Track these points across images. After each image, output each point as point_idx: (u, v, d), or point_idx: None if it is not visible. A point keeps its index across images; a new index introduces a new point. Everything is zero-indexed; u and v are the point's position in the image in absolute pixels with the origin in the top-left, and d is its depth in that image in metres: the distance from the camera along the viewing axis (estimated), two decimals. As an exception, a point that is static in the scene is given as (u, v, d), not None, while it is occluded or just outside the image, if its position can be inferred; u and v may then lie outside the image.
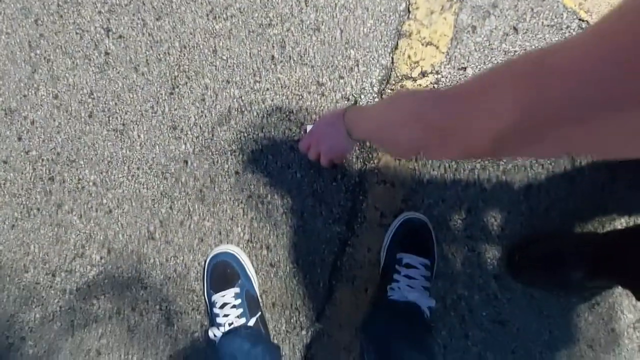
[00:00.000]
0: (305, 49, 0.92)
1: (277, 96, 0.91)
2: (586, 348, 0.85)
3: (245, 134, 0.90)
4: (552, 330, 0.84)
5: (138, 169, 0.92)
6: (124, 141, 0.93)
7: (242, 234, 0.88)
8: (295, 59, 0.92)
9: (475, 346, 0.84)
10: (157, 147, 0.92)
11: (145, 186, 0.91)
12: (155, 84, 0.93)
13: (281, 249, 0.87)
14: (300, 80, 0.91)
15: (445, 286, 0.85)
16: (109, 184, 0.93)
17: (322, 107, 0.90)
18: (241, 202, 0.88)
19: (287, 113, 0.91)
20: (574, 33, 0.87)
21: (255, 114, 0.91)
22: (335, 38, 0.92)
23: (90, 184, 0.94)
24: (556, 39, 0.87)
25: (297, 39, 0.93)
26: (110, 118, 0.94)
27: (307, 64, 0.92)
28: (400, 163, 0.88)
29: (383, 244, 0.85)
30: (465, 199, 0.85)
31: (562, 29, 0.87)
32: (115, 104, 0.95)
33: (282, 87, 0.91)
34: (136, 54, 0.96)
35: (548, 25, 0.87)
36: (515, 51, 0.88)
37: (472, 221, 0.85)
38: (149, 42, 0.96)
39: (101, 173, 0.93)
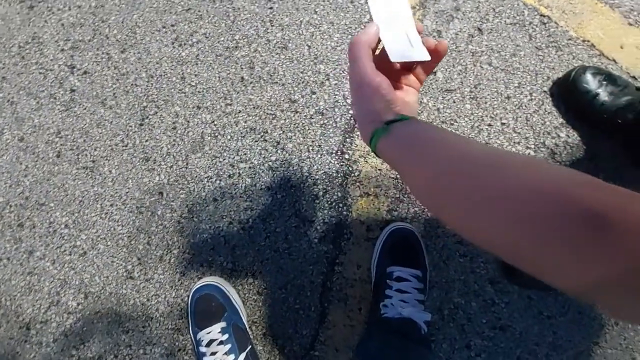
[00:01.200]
0: (275, 68, 0.91)
1: (250, 117, 0.89)
2: (592, 345, 0.82)
3: (221, 159, 0.87)
4: (556, 330, 0.81)
5: (111, 205, 0.88)
6: (95, 178, 0.90)
7: (225, 264, 0.84)
8: (265, 78, 0.91)
9: (479, 356, 0.80)
10: (130, 181, 0.88)
11: (119, 223, 0.87)
12: (124, 117, 0.91)
13: (268, 275, 0.83)
14: (272, 99, 0.90)
15: (441, 296, 0.82)
16: (81, 225, 0.89)
17: (296, 125, 0.88)
18: (222, 230, 0.85)
19: (262, 133, 0.89)
20: (536, 29, 0.88)
21: (229, 137, 0.88)
22: (303, 54, 0.92)
23: (62, 226, 0.89)
24: (520, 36, 0.87)
25: (266, 58, 0.92)
26: (80, 156, 0.91)
27: (277, 82, 0.91)
28: (382, 172, 0.86)
29: (372, 259, 0.82)
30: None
31: (525, 26, 0.88)
32: (84, 140, 0.92)
33: (254, 107, 0.90)
34: (103, 88, 0.94)
35: (511, 24, 0.88)
36: (482, 51, 0.88)
37: (461, 225, 0.83)
38: (115, 75, 0.94)
39: (73, 214, 0.89)
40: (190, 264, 0.84)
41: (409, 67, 0.43)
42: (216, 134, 0.88)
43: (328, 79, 0.90)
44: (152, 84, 0.91)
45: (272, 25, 0.94)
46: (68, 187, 0.90)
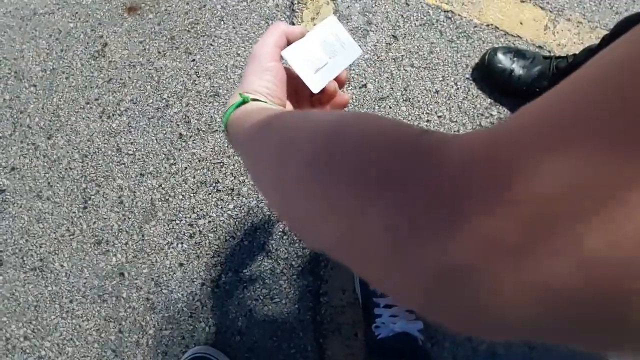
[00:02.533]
0: (211, 117, 0.91)
1: (198, 171, 0.87)
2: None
3: (178, 221, 0.84)
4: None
5: (71, 302, 0.81)
6: (47, 277, 0.83)
7: (207, 329, 0.79)
8: (204, 129, 0.90)
9: (480, 345, 0.80)
10: (85, 270, 0.82)
11: (84, 318, 0.80)
12: (65, 204, 0.86)
13: (255, 328, 0.79)
14: (216, 148, 0.88)
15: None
16: (43, 332, 0.81)
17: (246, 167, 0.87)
18: (195, 294, 0.81)
19: (214, 184, 0.86)
20: (444, 25, 0.94)
21: (181, 197, 0.85)
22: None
23: (22, 339, 0.81)
24: (432, 34, 0.93)
25: (200, 109, 0.91)
26: (24, 258, 0.84)
27: (217, 130, 0.90)
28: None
29: (354, 279, 0.80)
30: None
31: (433, 24, 0.94)
32: (26, 240, 0.85)
33: (199, 160, 0.88)
34: (35, 180, 0.88)
35: (421, 25, 0.94)
36: (402, 55, 0.92)
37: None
38: (45, 164, 0.89)
39: (30, 323, 0.81)
40: (171, 340, 0.79)
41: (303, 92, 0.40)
42: (167, 197, 0.85)
43: (266, 115, 0.90)
44: (87, 162, 0.87)
45: (198, 77, 0.94)
46: (19, 294, 0.82)
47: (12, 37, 0.98)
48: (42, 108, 0.93)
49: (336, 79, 0.38)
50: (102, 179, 0.86)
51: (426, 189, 0.14)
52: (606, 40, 0.69)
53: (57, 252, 0.83)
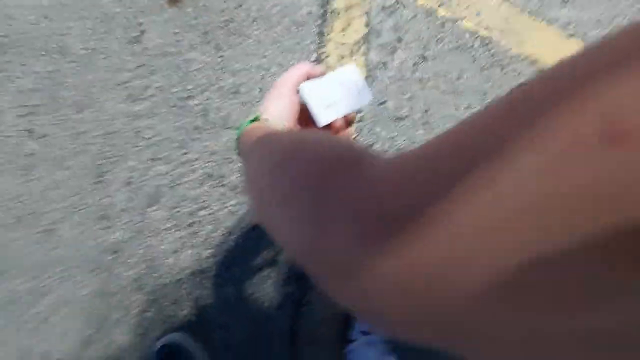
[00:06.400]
0: (228, 113, 0.92)
1: (207, 164, 0.89)
2: None
3: (179, 209, 0.86)
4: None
5: (71, 268, 0.86)
6: (54, 241, 0.88)
7: (189, 317, 0.80)
8: (219, 124, 0.92)
9: None
10: (87, 241, 0.86)
11: (81, 285, 0.85)
12: (81, 176, 0.91)
13: (235, 325, 0.80)
14: (229, 144, 0.90)
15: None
16: (44, 290, 0.86)
17: (252, 167, 0.88)
18: (183, 282, 0.82)
19: (220, 178, 0.88)
20: (479, 51, 0.90)
21: (187, 186, 0.88)
22: (255, 97, 0.93)
23: (24, 294, 0.86)
24: (463, 59, 0.89)
25: (219, 104, 0.93)
26: (39, 219, 0.90)
27: (232, 127, 0.91)
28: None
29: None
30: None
31: (467, 49, 0.90)
32: (43, 204, 0.91)
33: (210, 154, 0.90)
34: (61, 149, 0.94)
35: (454, 48, 0.90)
36: (429, 77, 0.89)
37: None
38: (72, 136, 0.95)
39: (34, 279, 0.87)
40: (152, 323, 0.81)
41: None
42: (173, 185, 0.88)
43: (281, 119, 0.90)
44: (107, 141, 0.92)
45: (223, 72, 0.96)
46: (28, 252, 0.88)
47: (64, 15, 1.05)
48: (78, 83, 0.99)
49: (345, 117, 0.43)
50: (117, 158, 0.90)
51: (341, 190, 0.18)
52: None
53: (66, 219, 0.88)
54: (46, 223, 0.89)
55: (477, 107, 0.86)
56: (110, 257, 0.84)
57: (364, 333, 0.67)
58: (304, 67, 0.41)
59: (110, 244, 0.85)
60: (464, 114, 0.86)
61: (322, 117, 0.40)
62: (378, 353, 0.63)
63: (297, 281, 0.81)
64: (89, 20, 1.04)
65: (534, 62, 0.88)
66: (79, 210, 0.88)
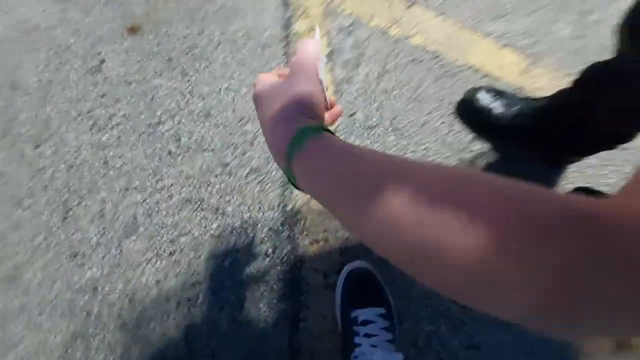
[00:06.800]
0: (202, 136, 0.92)
1: (184, 188, 0.87)
2: (568, 346, 0.84)
3: (159, 237, 0.83)
4: (526, 335, 0.83)
5: (40, 314, 0.78)
6: (18, 287, 0.80)
7: (179, 349, 0.76)
8: (193, 147, 0.91)
9: (459, 380, 0.79)
10: (58, 282, 0.80)
11: (52, 332, 0.77)
12: (45, 214, 0.84)
13: (229, 352, 0.77)
14: (204, 167, 0.89)
15: (412, 327, 0.81)
16: (8, 343, 0.77)
17: (232, 187, 0.88)
18: (170, 312, 0.79)
19: (199, 202, 0.87)
20: (430, 63, 0.99)
21: (164, 213, 0.85)
22: (228, 118, 0.94)
23: (-20, 354, 0.77)
24: (419, 70, 0.98)
25: (191, 128, 0.93)
26: (-4, 267, 0.81)
27: (206, 149, 0.91)
28: (327, 214, 0.87)
29: (335, 306, 0.80)
30: (396, 232, 0.86)
31: (421, 62, 0.99)
32: (2, 247, 0.83)
33: (186, 178, 0.88)
34: (18, 187, 0.87)
35: (410, 61, 0.99)
36: (393, 87, 0.97)
37: (411, 251, 0.85)
38: (30, 172, 0.88)
39: (-7, 336, 0.78)
40: (140, 359, 0.76)
41: None
42: (150, 213, 0.85)
43: (256, 137, 0.92)
44: (72, 174, 0.87)
45: (192, 96, 0.96)
46: (-16, 306, 0.79)
47: (13, 49, 1.00)
48: (34, 117, 0.94)
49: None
50: (86, 191, 0.86)
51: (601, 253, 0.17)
52: (575, 83, 0.74)
53: (31, 261, 0.81)
54: (8, 268, 0.81)
55: (437, 113, 0.95)
56: (87, 296, 0.78)
57: (367, 336, 0.68)
58: (316, 45, 0.34)
59: (85, 283, 0.79)
60: (427, 120, 0.94)
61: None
62: (384, 353, 0.65)
63: (291, 297, 0.81)
64: (41, 52, 1.00)
65: (478, 70, 0.99)
66: (47, 250, 0.81)
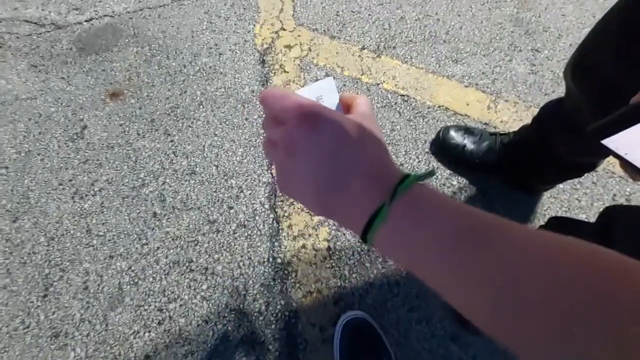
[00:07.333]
0: (187, 195, 0.92)
1: (171, 250, 0.86)
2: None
3: (146, 306, 0.80)
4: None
5: (16, 408, 0.72)
6: (-10, 380, 0.74)
7: None
8: (179, 207, 0.91)
9: None
10: (37, 368, 0.74)
11: None
12: (23, 293, 0.80)
13: None
14: (191, 226, 0.89)
15: (414, 372, 0.79)
16: None
17: (221, 244, 0.87)
18: (162, 388, 0.74)
19: (187, 264, 0.85)
20: (402, 107, 1.06)
21: (151, 279, 0.83)
22: (212, 175, 0.95)
23: None
24: (392, 114, 1.04)
25: (176, 188, 0.93)
26: (-34, 358, 0.75)
27: (192, 207, 0.91)
28: (317, 264, 0.86)
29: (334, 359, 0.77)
30: (389, 274, 0.86)
31: (392, 106, 1.05)
32: (-28, 336, 0.77)
33: (173, 239, 0.87)
34: (-7, 267, 0.83)
35: (382, 106, 1.05)
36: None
37: (405, 292, 0.85)
38: (7, 249, 0.85)
39: None
40: None
41: None
42: (136, 280, 0.82)
43: (242, 191, 0.93)
44: (53, 246, 0.84)
45: (176, 156, 0.97)
46: (-48, 404, 0.72)
47: (-10, 122, 1.00)
48: (12, 190, 0.92)
49: None
50: (68, 263, 0.83)
51: None
52: (532, 121, 0.81)
53: (7, 348, 0.76)
54: (-22, 360, 0.75)
55: (413, 153, 0.99)
56: (69, 382, 0.73)
57: None
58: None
59: (68, 366, 0.74)
60: (405, 160, 0.98)
61: None
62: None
63: (290, 355, 0.78)
64: (20, 123, 1.00)
65: (446, 109, 1.06)
66: (25, 333, 0.76)
